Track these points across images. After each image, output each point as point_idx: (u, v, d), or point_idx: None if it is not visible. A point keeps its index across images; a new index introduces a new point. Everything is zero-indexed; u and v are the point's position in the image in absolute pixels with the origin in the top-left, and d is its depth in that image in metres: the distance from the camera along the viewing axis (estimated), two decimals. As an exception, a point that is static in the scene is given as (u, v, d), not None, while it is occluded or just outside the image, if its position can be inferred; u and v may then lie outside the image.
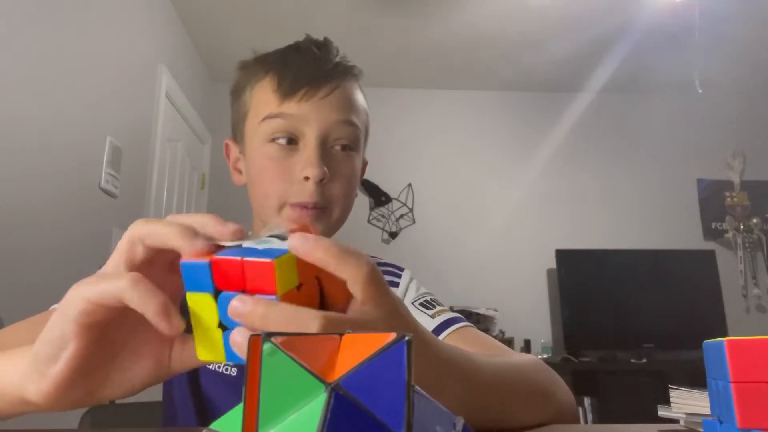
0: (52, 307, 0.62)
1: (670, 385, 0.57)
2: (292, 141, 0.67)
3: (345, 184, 0.69)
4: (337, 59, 0.70)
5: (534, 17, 2.94)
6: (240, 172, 0.75)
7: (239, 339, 0.31)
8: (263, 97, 0.68)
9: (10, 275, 1.46)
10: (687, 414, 0.54)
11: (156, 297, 0.31)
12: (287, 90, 0.66)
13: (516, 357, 0.56)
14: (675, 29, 3.01)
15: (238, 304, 0.30)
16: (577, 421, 0.56)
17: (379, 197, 3.61)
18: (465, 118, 3.81)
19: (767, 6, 2.81)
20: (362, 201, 3.57)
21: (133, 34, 2.31)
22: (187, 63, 3.11)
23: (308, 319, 0.30)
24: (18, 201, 1.50)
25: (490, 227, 3.64)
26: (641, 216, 3.71)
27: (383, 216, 3.61)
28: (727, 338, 0.33)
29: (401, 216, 3.63)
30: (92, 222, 1.93)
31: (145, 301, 0.31)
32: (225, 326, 0.33)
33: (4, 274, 1.43)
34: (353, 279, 0.32)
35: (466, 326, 0.68)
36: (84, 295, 0.32)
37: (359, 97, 0.73)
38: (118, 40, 2.15)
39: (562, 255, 3.43)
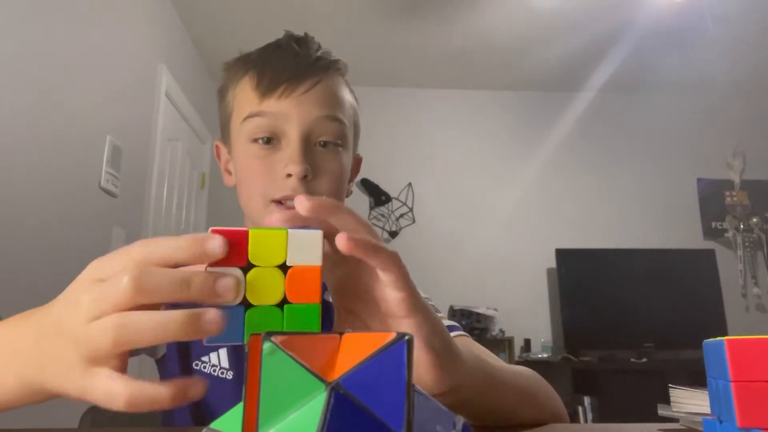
0: None
1: (670, 385, 0.57)
2: (274, 140, 0.66)
3: (331, 181, 0.67)
4: (318, 54, 0.69)
5: (534, 17, 2.93)
6: (230, 173, 0.74)
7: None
8: (244, 97, 0.67)
9: (10, 275, 1.45)
10: (687, 413, 0.54)
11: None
12: (266, 87, 0.65)
13: (513, 366, 0.58)
14: (675, 29, 3.00)
15: None
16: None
17: (379, 197, 3.60)
18: (465, 118, 3.81)
19: (767, 6, 2.81)
20: (362, 200, 3.57)
21: (133, 34, 2.31)
22: (187, 63, 3.10)
23: None
24: (18, 200, 1.50)
25: (490, 226, 3.64)
26: (641, 216, 3.70)
27: (383, 215, 3.61)
28: (726, 337, 0.33)
29: (401, 215, 3.62)
30: (92, 221, 1.92)
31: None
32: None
33: (4, 274, 1.43)
34: (388, 267, 0.36)
35: (462, 335, 0.69)
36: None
37: (344, 92, 0.71)
38: (118, 40, 2.15)
39: (562, 254, 3.43)
